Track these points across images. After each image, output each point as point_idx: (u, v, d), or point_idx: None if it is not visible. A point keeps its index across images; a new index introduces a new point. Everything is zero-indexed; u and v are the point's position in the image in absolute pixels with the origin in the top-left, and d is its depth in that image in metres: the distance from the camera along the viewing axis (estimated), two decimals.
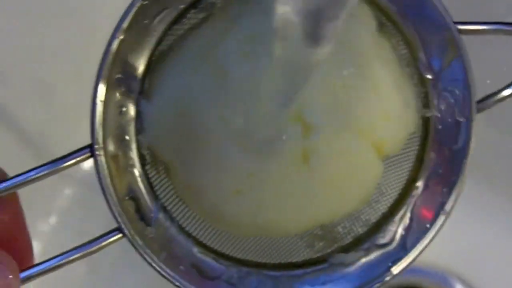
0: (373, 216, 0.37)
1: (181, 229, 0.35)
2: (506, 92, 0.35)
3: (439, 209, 0.35)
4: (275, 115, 0.33)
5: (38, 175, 0.31)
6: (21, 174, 0.31)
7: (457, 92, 0.35)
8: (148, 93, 0.34)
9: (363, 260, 0.36)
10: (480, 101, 0.35)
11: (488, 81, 0.34)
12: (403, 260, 0.35)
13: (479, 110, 0.35)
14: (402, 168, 0.37)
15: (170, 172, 0.35)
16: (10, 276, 0.30)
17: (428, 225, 0.35)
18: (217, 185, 0.34)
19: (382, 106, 0.34)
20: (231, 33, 0.34)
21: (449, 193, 0.35)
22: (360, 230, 0.37)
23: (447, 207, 0.35)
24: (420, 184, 0.36)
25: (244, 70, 0.33)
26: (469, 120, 0.34)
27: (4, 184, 0.31)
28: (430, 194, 0.36)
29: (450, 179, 0.35)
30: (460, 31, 0.34)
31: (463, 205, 0.52)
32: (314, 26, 0.27)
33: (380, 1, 0.35)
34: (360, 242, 0.37)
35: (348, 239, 0.37)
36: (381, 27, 0.36)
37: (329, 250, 0.37)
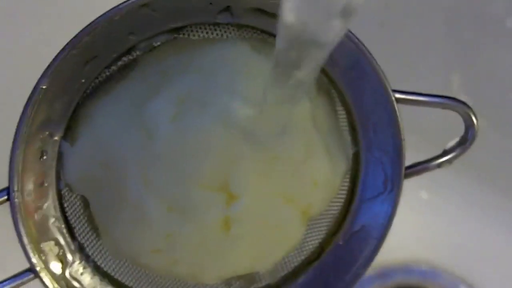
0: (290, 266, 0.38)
1: (97, 268, 0.35)
2: (431, 164, 0.35)
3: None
4: (199, 182, 0.32)
5: None
6: None
7: (387, 158, 0.35)
8: (72, 136, 0.33)
9: None
10: (409, 167, 0.35)
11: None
12: None
13: (407, 176, 0.35)
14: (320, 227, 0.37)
15: (87, 209, 0.35)
16: None
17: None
18: (134, 243, 0.33)
19: (312, 175, 0.34)
20: (161, 91, 0.32)
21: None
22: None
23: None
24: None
25: (170, 133, 0.32)
26: (396, 189, 0.35)
27: None
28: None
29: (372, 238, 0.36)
30: (398, 100, 0.34)
31: (464, 205, 0.55)
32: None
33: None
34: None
35: (265, 282, 0.38)
36: (320, 90, 0.35)
37: None
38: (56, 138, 0.33)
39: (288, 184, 0.33)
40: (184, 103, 0.32)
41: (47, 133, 0.32)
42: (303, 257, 0.37)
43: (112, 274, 0.36)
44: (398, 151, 0.34)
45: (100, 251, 0.36)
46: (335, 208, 0.37)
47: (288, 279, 0.37)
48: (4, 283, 0.32)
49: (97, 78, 0.33)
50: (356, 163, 0.36)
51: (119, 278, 0.36)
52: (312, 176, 0.34)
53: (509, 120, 0.53)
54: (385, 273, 0.54)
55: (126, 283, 0.36)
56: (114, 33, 0.31)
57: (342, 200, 0.37)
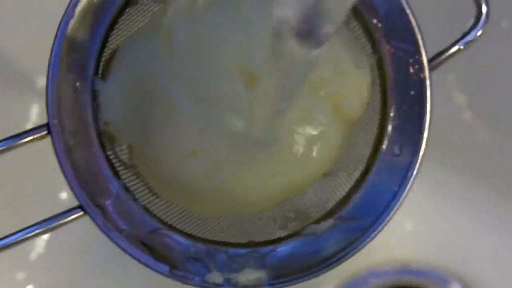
0: (340, 190, 0.37)
1: (145, 209, 0.35)
2: (453, 49, 0.35)
3: (405, 172, 0.35)
4: (222, 69, 0.33)
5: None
6: None
7: (410, 51, 0.35)
8: (104, 73, 0.35)
9: (333, 229, 0.36)
10: (431, 60, 0.35)
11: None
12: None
13: (432, 68, 0.35)
14: (365, 136, 0.37)
15: (129, 149, 0.35)
16: None
17: (395, 189, 0.35)
18: (171, 149, 0.33)
19: (330, 62, 0.34)
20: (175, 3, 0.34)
21: (413, 155, 0.35)
22: (330, 204, 0.37)
23: (411, 172, 0.35)
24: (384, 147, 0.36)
25: (185, 29, 0.33)
26: (424, 79, 0.35)
27: None
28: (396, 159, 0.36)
29: (413, 139, 0.35)
30: None
31: (461, 204, 0.54)
32: (309, 29, 0.27)
33: None
34: (331, 214, 0.36)
35: (319, 215, 0.37)
36: None
37: (301, 227, 0.37)
38: (87, 74, 0.34)
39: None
40: (197, 3, 0.34)
41: (78, 69, 0.34)
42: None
43: (161, 217, 0.35)
44: (416, 45, 0.35)
45: (146, 194, 0.36)
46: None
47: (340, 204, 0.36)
48: (55, 219, 0.33)
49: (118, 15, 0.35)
50: (380, 68, 0.36)
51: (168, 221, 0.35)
52: (331, 64, 0.34)
53: (505, 119, 0.54)
54: (381, 272, 0.53)
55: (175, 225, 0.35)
56: None
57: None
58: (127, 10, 0.35)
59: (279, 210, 0.37)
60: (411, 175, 0.35)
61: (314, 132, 0.34)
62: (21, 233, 0.32)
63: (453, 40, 0.36)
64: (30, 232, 0.32)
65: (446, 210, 0.55)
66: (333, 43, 0.34)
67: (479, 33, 0.35)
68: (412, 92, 0.35)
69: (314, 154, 0.34)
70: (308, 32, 0.26)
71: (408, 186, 0.35)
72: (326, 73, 0.34)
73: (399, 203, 0.35)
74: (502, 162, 0.54)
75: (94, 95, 0.34)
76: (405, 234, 0.54)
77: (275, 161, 0.34)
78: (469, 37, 0.35)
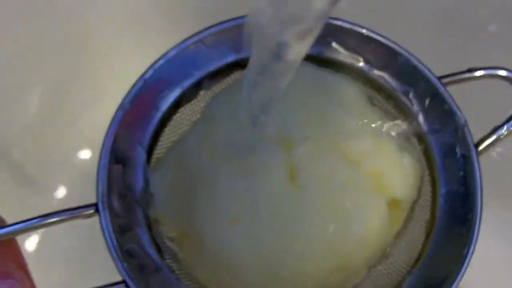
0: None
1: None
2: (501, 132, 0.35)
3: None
4: (257, 137, 0.34)
5: (40, 223, 0.32)
6: (23, 221, 0.32)
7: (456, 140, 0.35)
8: (154, 163, 0.36)
9: None
10: (477, 144, 0.35)
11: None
12: None
13: (481, 152, 0.35)
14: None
15: (175, 241, 0.36)
16: None
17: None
18: (213, 220, 0.34)
19: (370, 140, 0.35)
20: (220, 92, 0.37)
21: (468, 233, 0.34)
22: None
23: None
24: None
25: (225, 111, 0.35)
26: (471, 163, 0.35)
27: (3, 231, 0.32)
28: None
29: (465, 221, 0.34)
30: (446, 83, 0.36)
31: None
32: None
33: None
34: None
35: None
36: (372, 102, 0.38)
37: None
38: (139, 163, 0.36)
39: (344, 140, 0.34)
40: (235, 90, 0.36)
41: (130, 157, 0.35)
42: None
43: None
44: (462, 129, 0.35)
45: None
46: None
47: None
48: None
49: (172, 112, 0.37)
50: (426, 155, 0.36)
51: None
52: (372, 142, 0.35)
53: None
54: None
55: None
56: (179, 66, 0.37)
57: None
58: (180, 109, 0.38)
59: None
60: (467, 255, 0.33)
61: (354, 203, 0.34)
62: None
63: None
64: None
65: None
66: (376, 127, 0.36)
67: None
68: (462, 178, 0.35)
69: (354, 227, 0.34)
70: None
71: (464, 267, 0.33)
72: (365, 148, 0.35)
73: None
74: (494, 168, 0.50)
75: (146, 183, 0.36)
76: None
77: (313, 228, 0.33)
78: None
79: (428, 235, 0.35)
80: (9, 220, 0.33)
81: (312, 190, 0.33)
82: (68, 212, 0.33)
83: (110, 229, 0.33)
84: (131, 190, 0.35)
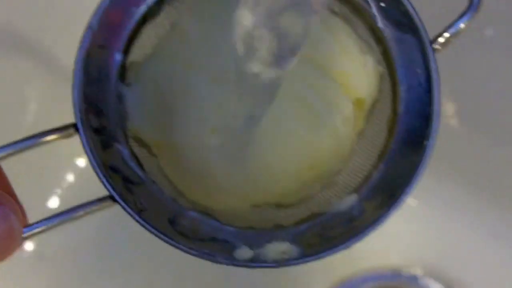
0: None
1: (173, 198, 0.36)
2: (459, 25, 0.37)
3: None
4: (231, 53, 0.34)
5: (22, 147, 0.33)
6: (5, 146, 0.33)
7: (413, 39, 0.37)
8: (129, 77, 0.37)
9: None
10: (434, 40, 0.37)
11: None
12: None
13: (437, 50, 0.37)
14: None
15: (153, 151, 0.37)
16: (13, 217, 0.29)
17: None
18: (194, 131, 0.35)
19: (335, 41, 0.36)
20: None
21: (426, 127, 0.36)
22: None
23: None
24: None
25: (199, 24, 0.36)
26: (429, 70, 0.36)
27: None
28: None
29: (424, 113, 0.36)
30: None
31: (451, 211, 0.56)
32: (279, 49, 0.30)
33: None
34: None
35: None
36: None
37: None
38: (113, 77, 0.36)
39: (312, 47, 0.35)
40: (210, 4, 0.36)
41: (103, 72, 0.36)
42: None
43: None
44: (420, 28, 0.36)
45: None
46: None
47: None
48: (85, 207, 0.33)
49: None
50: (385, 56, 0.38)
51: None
52: (337, 43, 0.36)
53: (495, 126, 0.55)
54: (373, 277, 0.54)
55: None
56: None
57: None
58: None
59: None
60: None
61: (324, 106, 0.36)
62: (55, 218, 0.33)
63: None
64: (66, 216, 0.33)
65: (436, 216, 0.56)
66: (338, 29, 0.37)
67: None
68: (419, 73, 0.37)
69: (328, 127, 0.36)
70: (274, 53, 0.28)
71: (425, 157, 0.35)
72: (330, 50, 0.36)
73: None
74: (491, 169, 0.56)
75: (119, 98, 0.36)
76: (396, 239, 0.55)
77: (291, 135, 0.35)
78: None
79: (390, 131, 0.37)
80: None
81: (285, 97, 0.35)
82: (47, 134, 0.34)
83: (91, 146, 0.34)
84: (107, 106, 0.36)
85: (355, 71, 0.36)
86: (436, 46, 0.36)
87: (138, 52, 0.38)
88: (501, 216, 0.56)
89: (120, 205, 0.33)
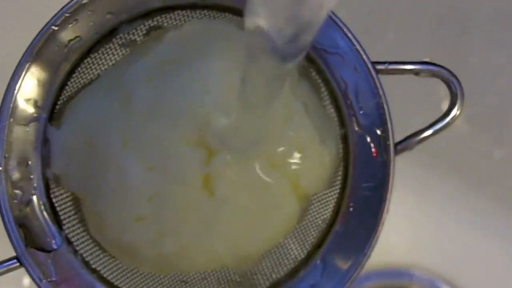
0: (288, 260, 0.36)
1: (85, 263, 0.34)
2: (424, 134, 0.34)
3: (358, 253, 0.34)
4: (178, 136, 0.32)
5: None
6: None
7: (378, 132, 0.34)
8: (57, 121, 0.34)
9: None
10: (399, 143, 0.34)
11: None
12: None
13: (399, 151, 0.34)
14: (320, 212, 0.36)
15: (77, 203, 0.34)
16: None
17: (345, 268, 0.34)
18: (118, 213, 0.33)
19: (294, 137, 0.33)
20: (139, 60, 0.33)
21: (368, 237, 0.34)
22: (277, 276, 0.36)
23: (367, 251, 0.34)
24: (338, 228, 0.35)
25: (147, 92, 0.32)
26: (388, 162, 0.34)
27: None
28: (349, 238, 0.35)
29: (369, 222, 0.34)
30: (380, 71, 0.34)
31: (451, 210, 0.55)
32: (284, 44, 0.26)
33: None
34: (277, 285, 0.36)
35: (266, 284, 0.36)
36: (302, 72, 0.35)
37: None
38: (40, 121, 0.33)
39: (270, 145, 0.33)
40: (160, 67, 0.33)
41: (31, 115, 0.33)
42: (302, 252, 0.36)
43: (102, 272, 0.34)
44: (385, 125, 0.34)
45: (88, 244, 0.35)
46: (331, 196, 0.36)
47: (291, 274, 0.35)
48: None
49: (80, 61, 0.34)
50: (345, 144, 0.35)
51: (108, 277, 0.35)
52: (294, 140, 0.33)
53: (495, 124, 0.54)
54: (373, 275, 0.54)
55: (114, 282, 0.35)
56: (94, 12, 0.33)
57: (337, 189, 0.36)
58: (90, 55, 0.34)
59: (225, 272, 0.37)
60: (362, 261, 0.34)
61: (267, 209, 0.33)
62: None
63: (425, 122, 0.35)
64: None
65: (436, 215, 0.55)
66: (300, 114, 0.34)
67: (450, 119, 0.34)
68: (375, 173, 0.34)
69: (264, 230, 0.34)
70: (282, 45, 0.25)
71: (358, 269, 0.34)
72: (288, 148, 0.33)
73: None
74: (492, 168, 0.55)
75: (46, 142, 0.33)
76: (397, 238, 0.54)
77: (222, 235, 0.33)
78: (439, 125, 0.34)
79: (328, 229, 0.35)
80: None
81: (225, 198, 0.32)
82: None
83: (6, 199, 0.32)
84: (31, 151, 0.33)
85: (308, 171, 0.34)
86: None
87: (72, 89, 0.34)
88: (503, 215, 0.55)
89: (27, 269, 0.32)
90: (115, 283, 0.35)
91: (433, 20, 0.47)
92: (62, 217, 0.34)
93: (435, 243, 0.55)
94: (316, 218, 0.36)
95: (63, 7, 0.32)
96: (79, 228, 0.35)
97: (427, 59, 0.34)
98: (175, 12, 0.35)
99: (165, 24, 0.35)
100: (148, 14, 0.34)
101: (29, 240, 0.32)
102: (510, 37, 0.53)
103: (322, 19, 0.24)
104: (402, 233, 0.54)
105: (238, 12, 0.35)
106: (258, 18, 0.25)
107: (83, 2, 0.32)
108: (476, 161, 0.54)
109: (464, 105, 0.47)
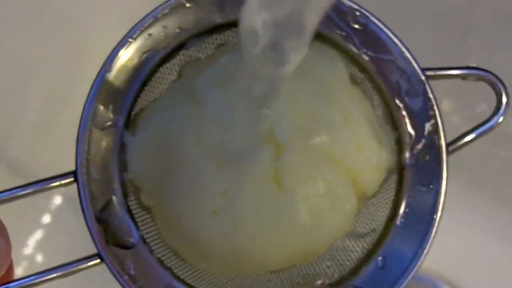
0: (350, 259, 0.37)
1: (161, 262, 0.35)
2: (471, 136, 0.37)
3: (417, 247, 0.36)
4: (248, 134, 0.34)
5: (22, 192, 0.33)
6: (6, 190, 0.33)
7: (430, 135, 0.36)
8: (133, 127, 0.36)
9: None
10: (449, 144, 0.36)
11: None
12: None
13: (449, 153, 0.36)
14: (380, 209, 0.38)
15: (151, 208, 0.36)
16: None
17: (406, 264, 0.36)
18: (193, 209, 0.34)
19: (353, 136, 0.35)
20: (208, 69, 0.36)
21: (426, 232, 0.36)
22: (337, 276, 0.37)
23: (425, 245, 0.36)
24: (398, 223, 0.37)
25: (216, 96, 0.35)
26: (441, 163, 0.36)
27: None
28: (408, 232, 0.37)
29: (426, 219, 0.36)
30: (429, 77, 0.36)
31: (453, 210, 0.53)
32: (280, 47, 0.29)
33: (355, 55, 0.38)
34: (341, 283, 0.37)
35: (329, 282, 0.37)
36: (354, 80, 0.38)
37: None
38: (118, 128, 0.35)
39: (331, 141, 0.35)
40: (228, 73, 0.35)
41: (110, 122, 0.35)
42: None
43: (175, 271, 0.36)
44: (437, 132, 0.36)
45: (162, 247, 0.36)
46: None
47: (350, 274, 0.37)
48: (72, 265, 0.33)
49: (152, 73, 0.37)
50: (399, 147, 0.37)
51: (181, 276, 0.36)
52: (354, 140, 0.36)
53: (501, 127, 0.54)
54: None
55: (187, 280, 0.36)
56: (166, 27, 0.36)
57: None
58: (160, 68, 0.37)
59: (288, 273, 0.38)
60: (422, 251, 0.36)
61: (331, 203, 0.35)
62: (39, 275, 0.33)
63: (471, 125, 0.37)
64: (49, 274, 0.33)
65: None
66: (356, 118, 0.36)
67: (499, 121, 0.37)
68: (428, 174, 0.37)
69: (328, 223, 0.35)
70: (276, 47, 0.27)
71: (419, 262, 0.36)
72: (348, 148, 0.35)
73: (410, 276, 0.36)
74: (494, 169, 0.55)
75: (123, 147, 0.36)
76: None
77: (290, 226, 0.35)
78: (485, 127, 0.37)
79: (388, 225, 0.37)
80: None
81: (293, 191, 0.34)
82: (45, 182, 0.33)
83: (88, 198, 0.34)
84: (110, 155, 0.35)
85: (366, 169, 0.36)
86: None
87: (147, 99, 0.37)
88: (504, 215, 0.56)
89: (107, 265, 0.33)
90: (188, 282, 0.36)
91: (434, 20, 0.49)
92: (137, 220, 0.36)
93: (436, 243, 0.55)
94: (373, 220, 0.38)
95: (139, 21, 0.35)
96: (153, 231, 0.36)
97: (474, 64, 0.36)
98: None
99: (230, 40, 0.38)
100: (214, 29, 0.37)
101: (109, 237, 0.34)
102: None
103: (317, 21, 0.27)
104: None
105: None
106: (255, 21, 0.27)
107: (158, 16, 0.36)
108: (479, 162, 0.55)
109: (462, 105, 0.49)
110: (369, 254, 0.37)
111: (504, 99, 0.36)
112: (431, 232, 0.36)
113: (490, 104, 0.36)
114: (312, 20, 0.28)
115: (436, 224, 0.36)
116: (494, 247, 0.56)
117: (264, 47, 0.28)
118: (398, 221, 0.36)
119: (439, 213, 0.36)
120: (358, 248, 0.37)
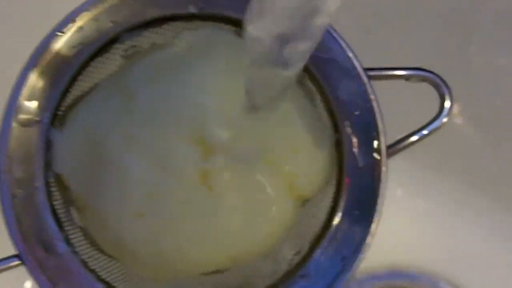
0: (285, 263, 0.36)
1: (84, 263, 0.34)
2: (413, 138, 0.35)
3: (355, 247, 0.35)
4: (177, 132, 0.33)
5: None
6: None
7: (369, 136, 0.35)
8: (60, 124, 0.35)
9: None
10: (391, 146, 0.35)
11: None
12: None
13: (391, 154, 0.35)
14: (315, 215, 0.36)
15: (79, 207, 0.35)
16: None
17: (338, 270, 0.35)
18: (119, 209, 0.33)
19: (289, 138, 0.34)
20: (141, 63, 0.35)
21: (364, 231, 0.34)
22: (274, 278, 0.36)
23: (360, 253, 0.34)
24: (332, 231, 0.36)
25: (148, 92, 0.34)
26: (380, 165, 0.35)
27: None
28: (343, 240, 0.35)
29: (362, 225, 0.35)
30: (371, 77, 0.35)
31: (452, 209, 0.54)
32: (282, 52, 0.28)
33: None
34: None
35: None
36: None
37: None
38: (44, 124, 0.34)
39: (264, 142, 0.34)
40: (161, 69, 0.34)
41: (35, 118, 0.34)
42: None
43: (100, 273, 0.35)
44: (377, 130, 0.35)
45: (87, 247, 0.35)
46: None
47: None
48: None
49: (83, 67, 0.35)
50: (339, 147, 0.36)
51: (106, 278, 0.35)
52: (289, 142, 0.34)
53: (498, 125, 0.54)
54: (374, 276, 0.53)
55: (113, 283, 0.35)
56: (97, 20, 0.35)
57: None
58: (91, 63, 0.36)
59: (222, 277, 0.37)
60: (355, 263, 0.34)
61: (262, 207, 0.34)
62: None
63: (415, 126, 0.36)
64: None
65: (437, 215, 0.55)
66: (294, 119, 0.35)
67: (443, 121, 0.35)
68: (368, 177, 0.35)
69: (259, 228, 0.34)
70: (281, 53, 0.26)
71: (352, 269, 0.34)
72: (284, 150, 0.34)
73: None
74: (494, 168, 0.54)
75: (48, 144, 0.34)
76: (397, 238, 0.53)
77: (218, 231, 0.34)
78: (429, 129, 0.35)
79: (323, 231, 0.36)
80: None
81: (223, 194, 0.33)
82: None
83: (9, 198, 0.33)
84: (34, 152, 0.34)
85: (303, 171, 0.35)
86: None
87: (75, 93, 0.36)
88: (504, 215, 0.55)
89: (27, 267, 0.32)
90: (113, 284, 0.35)
91: (436, 20, 0.48)
92: (62, 220, 0.35)
93: (436, 243, 0.55)
94: (311, 222, 0.37)
95: (69, 13, 0.34)
96: (78, 232, 0.35)
97: (419, 64, 0.35)
98: (174, 23, 0.36)
99: (165, 34, 0.37)
100: (148, 24, 0.36)
101: (29, 238, 0.33)
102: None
103: (322, 28, 0.26)
104: (402, 234, 0.54)
105: (236, 23, 0.36)
106: (258, 27, 0.26)
107: (88, 9, 0.34)
108: (477, 161, 0.54)
109: (465, 106, 0.48)
110: (305, 257, 0.36)
111: (448, 103, 0.35)
112: (366, 237, 0.34)
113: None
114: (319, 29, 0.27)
115: (371, 231, 0.34)
116: (494, 246, 0.55)
117: (268, 53, 0.27)
118: (334, 226, 0.35)
119: (376, 217, 0.34)
120: (292, 251, 0.36)
